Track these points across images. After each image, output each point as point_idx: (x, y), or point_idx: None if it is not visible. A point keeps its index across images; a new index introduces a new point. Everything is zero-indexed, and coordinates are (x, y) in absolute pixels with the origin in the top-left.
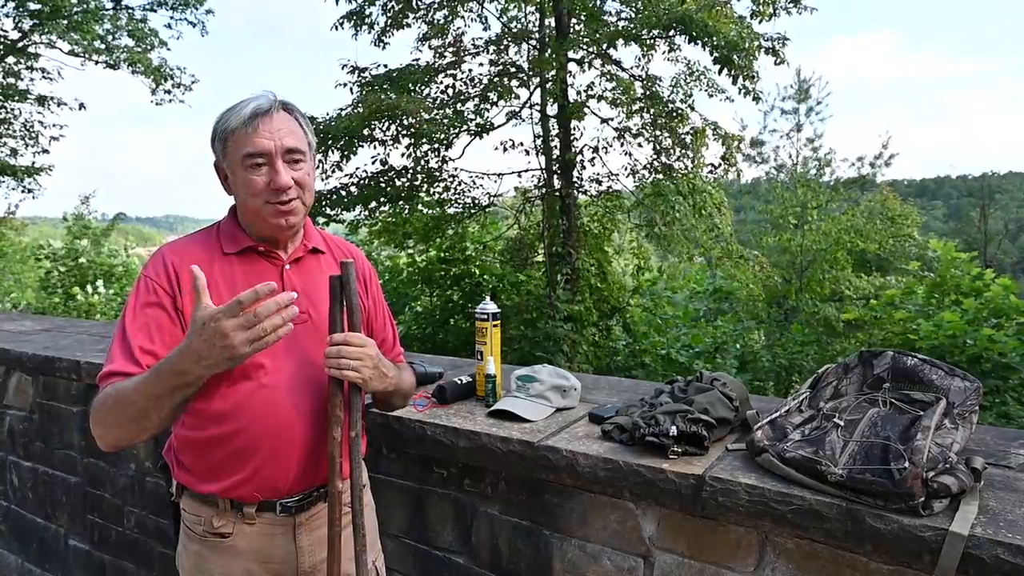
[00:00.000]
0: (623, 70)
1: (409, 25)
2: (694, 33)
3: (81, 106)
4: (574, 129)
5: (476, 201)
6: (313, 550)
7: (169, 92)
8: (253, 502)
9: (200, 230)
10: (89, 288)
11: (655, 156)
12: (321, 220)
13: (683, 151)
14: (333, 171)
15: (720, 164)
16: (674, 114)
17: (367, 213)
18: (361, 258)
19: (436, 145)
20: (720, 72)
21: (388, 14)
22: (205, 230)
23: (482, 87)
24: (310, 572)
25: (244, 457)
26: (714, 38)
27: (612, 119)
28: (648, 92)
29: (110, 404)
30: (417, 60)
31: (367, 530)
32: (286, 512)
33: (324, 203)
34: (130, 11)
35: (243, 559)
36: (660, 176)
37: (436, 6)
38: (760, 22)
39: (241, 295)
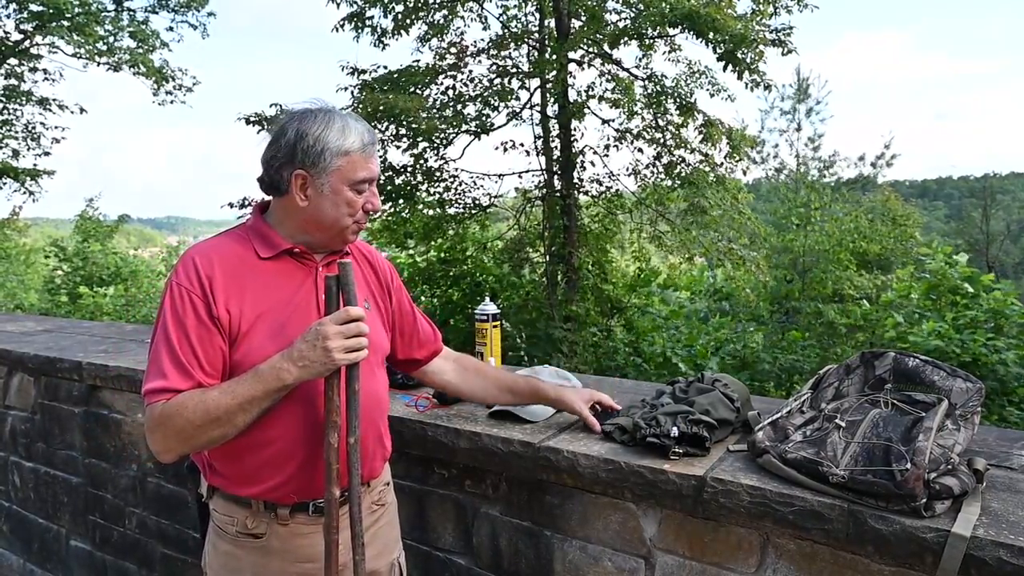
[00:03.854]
0: (624, 70)
1: (408, 30)
2: (702, 29)
3: (82, 110)
4: (574, 130)
5: (476, 201)
6: (344, 548)
7: (171, 93)
8: (288, 503)
9: (228, 231)
10: (101, 289)
11: (665, 151)
12: None
13: (706, 142)
14: None
15: (725, 162)
16: (685, 108)
17: None
18: (382, 261)
19: (435, 143)
20: (725, 69)
21: (391, 16)
22: (234, 232)
23: (482, 88)
24: (341, 570)
25: (282, 462)
26: (720, 33)
27: (613, 120)
28: (655, 90)
29: (189, 414)
30: (417, 61)
31: (391, 527)
32: (318, 512)
33: None
34: (132, 12)
35: (276, 559)
36: (677, 170)
37: (436, 6)
38: (760, 20)
39: (351, 310)
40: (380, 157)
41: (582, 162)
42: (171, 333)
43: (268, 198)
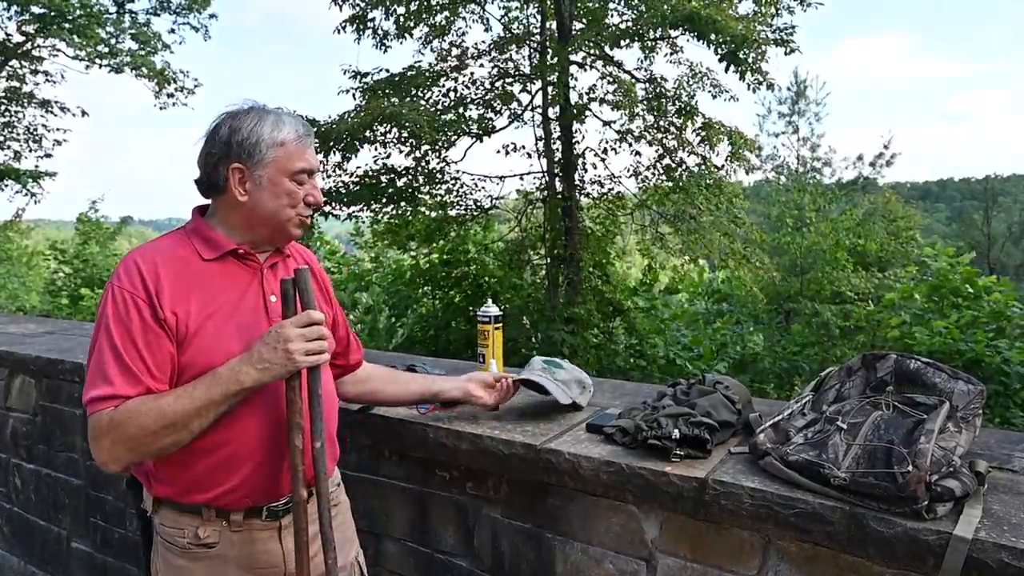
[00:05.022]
0: (625, 72)
1: (411, 32)
2: (703, 30)
3: (84, 113)
4: (576, 132)
5: (478, 203)
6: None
7: (172, 96)
8: (241, 509)
9: (167, 234)
10: (102, 290)
11: (666, 153)
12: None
13: (704, 143)
14: (334, 170)
15: (725, 164)
16: (685, 110)
17: (368, 212)
18: (318, 265)
19: (437, 146)
20: (727, 70)
21: (392, 18)
22: (174, 234)
23: (484, 91)
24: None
25: (236, 464)
26: (722, 34)
27: (614, 122)
28: (654, 93)
29: (143, 420)
30: (419, 62)
31: (345, 527)
32: (272, 516)
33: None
34: (133, 15)
35: (231, 567)
36: (676, 173)
37: (437, 9)
38: (762, 21)
39: (312, 314)
40: (383, 159)
41: (583, 164)
42: (115, 338)
43: (208, 202)
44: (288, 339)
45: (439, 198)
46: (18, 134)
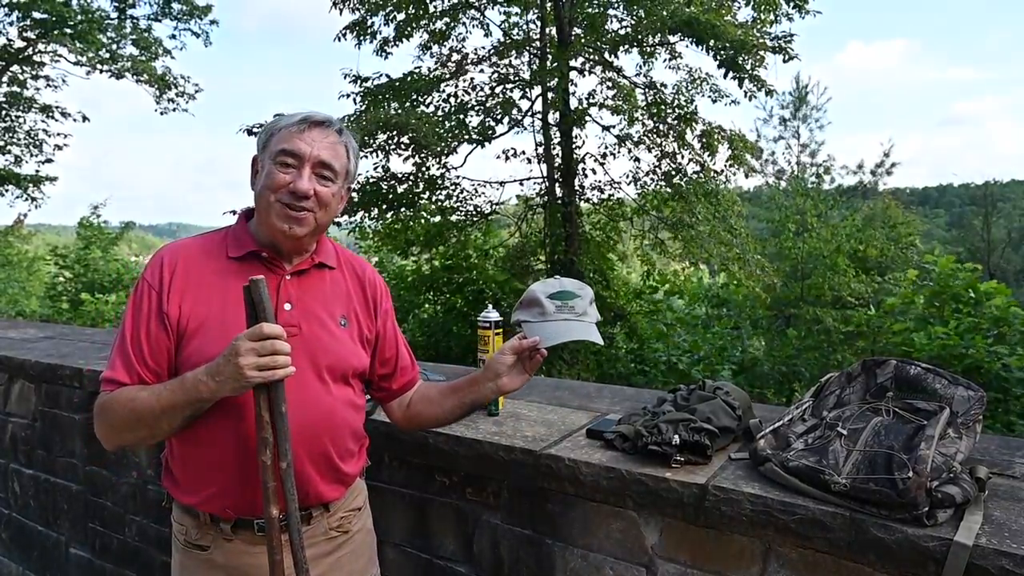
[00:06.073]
0: (624, 77)
1: (411, 37)
2: (702, 35)
3: (84, 118)
4: (576, 137)
5: (479, 209)
6: (293, 571)
7: (173, 101)
8: (228, 519)
9: (211, 231)
10: (102, 295)
11: (664, 158)
12: None
13: (704, 149)
14: None
15: (725, 168)
16: (685, 117)
17: (369, 220)
18: (376, 279)
19: (437, 152)
20: (726, 76)
21: (392, 24)
22: (216, 231)
23: (484, 96)
24: None
25: (213, 472)
26: (721, 40)
27: (614, 127)
28: (652, 99)
29: (119, 409)
30: (419, 68)
31: (354, 556)
32: (264, 531)
33: None
34: (134, 20)
35: (221, 574)
36: (675, 179)
37: (437, 15)
38: (761, 28)
39: (264, 327)
40: (383, 165)
41: (583, 169)
42: (126, 326)
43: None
44: (238, 352)
45: (439, 203)
46: (19, 139)
